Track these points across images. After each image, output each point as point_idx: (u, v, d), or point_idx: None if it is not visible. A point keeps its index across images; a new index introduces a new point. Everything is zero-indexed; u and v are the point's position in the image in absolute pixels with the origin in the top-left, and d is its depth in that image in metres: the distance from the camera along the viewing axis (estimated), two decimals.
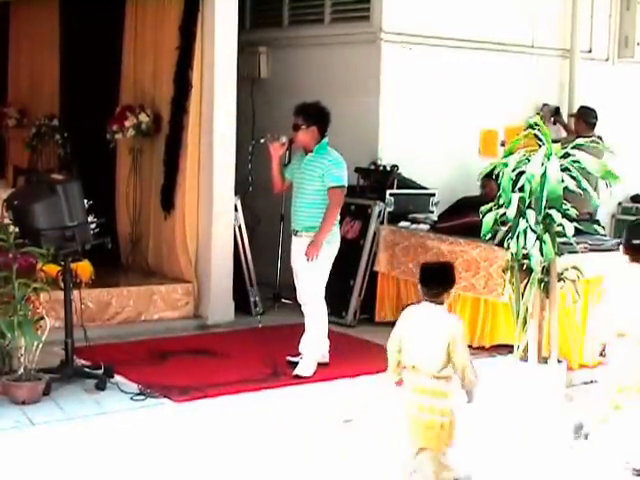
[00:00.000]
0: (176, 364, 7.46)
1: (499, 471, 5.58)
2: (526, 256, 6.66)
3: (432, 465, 5.16)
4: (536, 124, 6.74)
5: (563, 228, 6.59)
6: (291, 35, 10.48)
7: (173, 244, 9.00)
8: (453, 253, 8.20)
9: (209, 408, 6.53)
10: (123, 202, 9.62)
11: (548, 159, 6.52)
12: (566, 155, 6.62)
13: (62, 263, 6.91)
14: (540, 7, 10.46)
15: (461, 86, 9.94)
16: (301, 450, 5.85)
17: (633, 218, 11.08)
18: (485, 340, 7.97)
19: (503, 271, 7.01)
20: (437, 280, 5.29)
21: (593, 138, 7.83)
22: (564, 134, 10.43)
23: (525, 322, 6.80)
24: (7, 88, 11.85)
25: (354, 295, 8.95)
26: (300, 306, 7.58)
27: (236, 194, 8.98)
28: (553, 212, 6.52)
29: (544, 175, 6.44)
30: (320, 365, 7.41)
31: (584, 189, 6.53)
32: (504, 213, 6.63)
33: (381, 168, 9.33)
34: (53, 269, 7.04)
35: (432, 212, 9.21)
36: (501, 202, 6.67)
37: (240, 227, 9.15)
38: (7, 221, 6.87)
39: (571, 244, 6.95)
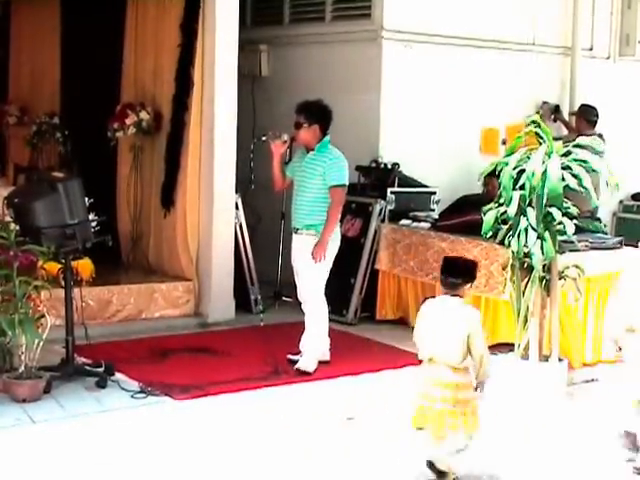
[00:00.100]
0: (177, 362, 7.46)
1: (500, 469, 5.57)
2: (527, 254, 6.65)
3: (448, 451, 5.23)
4: (534, 122, 6.73)
5: (564, 226, 6.58)
6: (292, 33, 10.47)
7: (174, 242, 9.00)
8: (454, 251, 8.19)
9: (210, 406, 6.53)
10: (124, 200, 9.62)
11: (549, 157, 6.52)
12: (567, 153, 6.62)
13: (63, 261, 6.90)
14: (541, 5, 10.46)
15: (462, 84, 9.94)
16: (303, 448, 5.85)
17: (635, 216, 11.12)
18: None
19: (504, 269, 7.01)
20: (457, 271, 5.34)
21: (594, 136, 7.83)
22: (565, 132, 10.43)
23: (526, 320, 6.80)
24: (8, 86, 11.84)
25: (355, 293, 8.95)
26: (301, 304, 7.58)
27: (237, 192, 8.98)
28: (553, 210, 6.52)
29: (545, 173, 6.43)
30: (321, 363, 7.41)
31: (585, 188, 6.53)
32: (505, 211, 6.62)
33: (382, 166, 9.34)
34: (54, 267, 7.04)
35: (433, 210, 9.22)
36: (502, 200, 6.67)
37: (241, 225, 9.15)
38: (8, 219, 6.87)
39: (572, 242, 6.95)
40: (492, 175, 7.14)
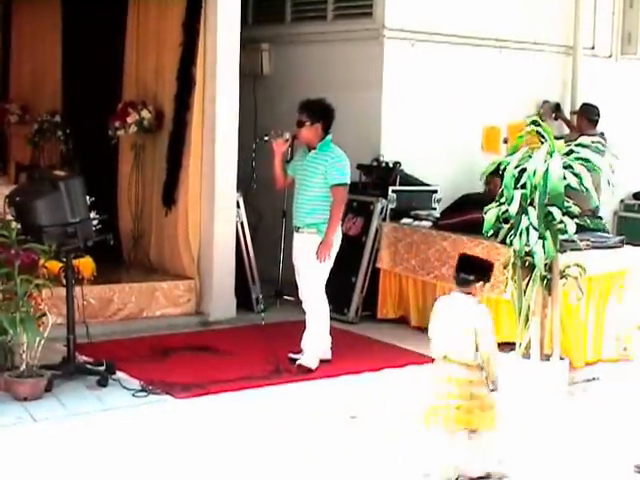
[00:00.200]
0: (178, 361, 7.46)
1: (501, 468, 5.56)
2: (528, 253, 6.66)
3: (475, 446, 5.26)
4: (535, 122, 6.73)
5: (565, 225, 6.58)
6: (293, 32, 10.47)
7: (175, 241, 9.00)
8: (455, 250, 8.18)
9: (211, 405, 6.53)
10: (125, 198, 9.62)
11: (550, 156, 6.52)
12: (569, 152, 6.61)
13: (64, 259, 6.90)
14: (543, 4, 10.45)
15: (464, 83, 9.94)
16: (303, 447, 5.84)
17: (636, 215, 11.11)
18: None
19: (505, 268, 7.01)
20: (471, 269, 5.35)
21: (596, 136, 7.82)
22: (566, 130, 10.43)
23: (527, 319, 6.80)
24: (9, 84, 11.84)
25: (356, 292, 8.95)
26: (301, 303, 7.57)
27: (238, 191, 8.97)
28: (554, 210, 6.51)
29: (546, 172, 6.43)
30: (322, 362, 7.41)
31: (586, 187, 6.52)
32: (506, 210, 6.62)
33: (383, 165, 9.33)
34: (55, 265, 7.04)
35: (434, 209, 9.21)
36: (503, 199, 6.66)
37: (242, 224, 9.15)
38: (9, 217, 6.87)
39: (573, 241, 6.95)
40: (494, 174, 7.14)
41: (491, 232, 6.84)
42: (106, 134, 9.27)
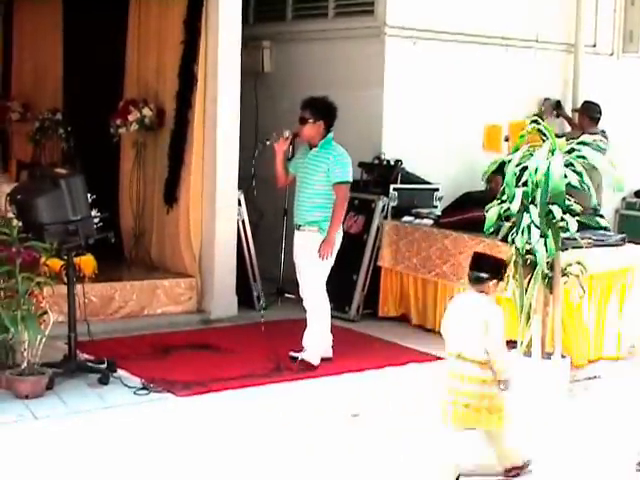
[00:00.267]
0: (179, 359, 7.46)
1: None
2: (530, 251, 6.65)
3: (494, 446, 5.28)
4: (536, 120, 6.73)
5: (566, 223, 6.57)
6: (295, 29, 10.46)
7: (176, 239, 9.00)
8: (457, 248, 8.20)
9: (212, 403, 6.53)
10: (126, 196, 9.61)
11: (552, 154, 6.51)
12: (570, 150, 6.61)
13: (65, 257, 6.90)
14: (544, 2, 10.44)
15: (465, 81, 9.93)
16: (305, 445, 5.84)
17: (637, 213, 11.11)
18: None
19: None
20: (484, 267, 5.34)
21: (597, 134, 7.83)
22: (568, 128, 10.42)
23: (529, 317, 6.80)
24: (11, 82, 11.85)
25: (357, 290, 8.95)
26: (302, 301, 7.57)
27: (239, 189, 8.97)
28: (554, 208, 6.51)
29: (547, 170, 6.43)
30: (323, 360, 7.40)
31: (587, 186, 6.52)
32: (508, 208, 6.62)
33: (385, 163, 9.33)
34: (56, 263, 7.05)
35: (436, 207, 9.21)
36: (505, 197, 6.66)
37: (243, 222, 9.15)
38: (10, 215, 6.87)
39: (575, 239, 6.94)
40: (496, 172, 7.14)
41: (492, 230, 6.84)
42: (107, 132, 9.26)
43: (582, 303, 7.46)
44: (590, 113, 10.10)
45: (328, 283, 7.41)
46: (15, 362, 6.62)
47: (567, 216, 6.57)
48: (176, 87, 8.90)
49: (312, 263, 7.29)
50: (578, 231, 6.72)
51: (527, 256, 6.73)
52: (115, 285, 8.53)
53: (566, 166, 6.48)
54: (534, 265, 6.69)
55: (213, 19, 8.63)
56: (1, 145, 11.92)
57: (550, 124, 7.09)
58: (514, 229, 6.70)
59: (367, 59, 9.61)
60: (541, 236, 6.53)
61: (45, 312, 6.65)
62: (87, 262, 8.08)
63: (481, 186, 8.74)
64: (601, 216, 8.22)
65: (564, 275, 6.91)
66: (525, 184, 6.56)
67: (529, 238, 6.54)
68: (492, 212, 6.72)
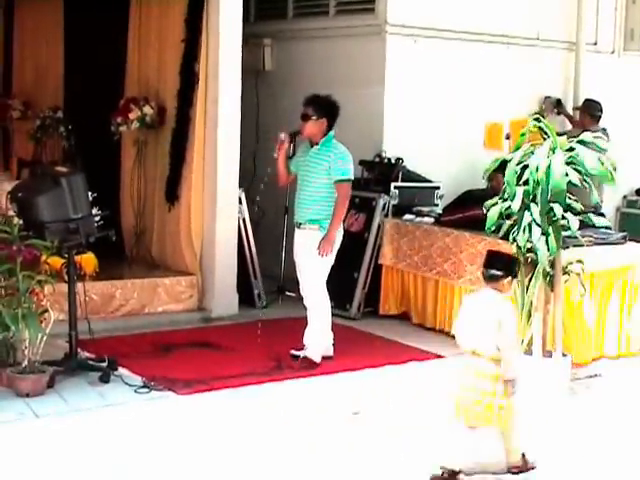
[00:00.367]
0: (180, 357, 7.46)
1: (503, 465, 5.56)
2: (531, 250, 6.65)
3: (501, 442, 5.27)
4: (537, 118, 6.73)
5: (568, 221, 6.57)
6: (296, 27, 10.46)
7: (177, 237, 9.00)
8: (458, 246, 8.20)
9: (213, 401, 6.54)
10: (127, 194, 9.61)
11: (553, 152, 6.51)
12: (571, 149, 6.61)
13: (66, 256, 6.90)
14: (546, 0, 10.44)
15: (466, 79, 9.92)
16: (306, 443, 5.84)
17: (638, 211, 11.10)
18: None
19: None
20: (499, 264, 5.35)
21: (598, 132, 7.82)
22: (569, 126, 10.42)
23: (530, 316, 6.80)
24: (12, 80, 11.85)
25: (358, 288, 8.95)
26: (303, 299, 7.57)
27: (240, 187, 8.97)
28: (556, 206, 6.51)
29: (548, 168, 6.42)
30: (324, 358, 7.40)
31: (588, 183, 6.52)
32: (509, 206, 6.61)
33: (386, 161, 9.33)
34: (57, 262, 7.05)
35: (437, 205, 9.20)
36: (506, 195, 6.66)
37: (244, 220, 9.14)
38: (11, 213, 6.87)
39: (576, 237, 6.94)
40: (497, 170, 7.14)
41: (493, 228, 6.84)
42: (108, 130, 9.26)
43: (583, 301, 7.46)
44: (591, 111, 10.10)
45: (329, 281, 7.41)
46: (16, 360, 6.62)
47: (568, 214, 6.57)
48: (177, 85, 8.90)
49: (312, 261, 7.28)
50: (579, 229, 6.72)
51: (528, 254, 6.73)
52: (116, 283, 8.53)
53: (567, 164, 6.48)
54: (535, 263, 6.69)
55: (214, 17, 8.63)
56: (2, 143, 11.92)
57: (551, 122, 7.08)
58: (515, 227, 6.69)
59: (368, 57, 9.61)
60: (542, 234, 6.53)
61: (46, 310, 6.65)
62: (88, 260, 8.08)
63: (482, 184, 8.74)
64: (602, 214, 8.22)
65: (565, 273, 6.91)
66: (526, 182, 6.56)
67: (530, 236, 6.54)
68: (493, 211, 6.72)
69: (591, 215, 6.94)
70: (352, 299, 8.92)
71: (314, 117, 7.31)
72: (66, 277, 6.94)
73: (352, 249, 8.39)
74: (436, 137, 9.75)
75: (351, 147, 7.51)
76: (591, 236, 7.65)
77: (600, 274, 7.66)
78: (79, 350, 6.95)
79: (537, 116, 6.80)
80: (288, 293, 9.24)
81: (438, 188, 9.34)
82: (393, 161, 9.26)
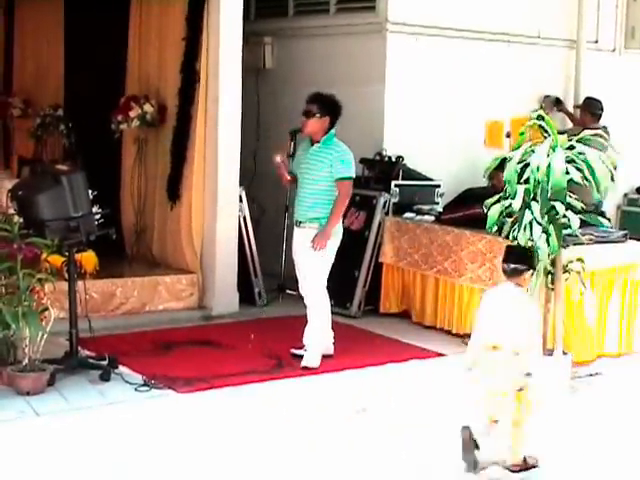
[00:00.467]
0: (180, 355, 7.46)
1: (504, 463, 5.56)
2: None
3: (510, 437, 5.27)
4: (538, 116, 6.72)
5: (568, 220, 6.57)
6: (296, 25, 10.45)
7: (178, 235, 9.00)
8: (458, 244, 8.19)
9: (213, 399, 6.54)
10: (128, 193, 9.61)
11: (553, 150, 6.50)
12: (572, 147, 6.60)
13: (66, 254, 6.90)
14: None
15: (467, 77, 9.92)
16: (307, 441, 5.84)
17: (639, 210, 11.10)
18: None
19: None
20: (519, 258, 5.39)
21: (598, 130, 7.81)
22: (569, 124, 10.41)
23: None
24: (12, 78, 11.84)
25: (359, 286, 8.94)
26: (303, 298, 7.56)
27: (241, 185, 8.97)
28: (557, 204, 6.50)
29: (549, 167, 6.42)
30: (324, 357, 7.40)
31: (589, 181, 6.51)
32: (509, 205, 6.61)
33: (386, 159, 9.32)
34: (57, 260, 7.05)
35: (437, 203, 9.20)
36: (506, 194, 6.65)
37: (245, 218, 9.14)
38: (12, 211, 6.87)
39: (576, 236, 6.94)
40: (498, 169, 7.14)
41: (494, 227, 6.83)
42: (109, 128, 9.25)
43: (584, 300, 7.45)
44: (592, 109, 10.09)
45: (329, 279, 7.41)
46: (16, 358, 6.63)
47: (569, 212, 6.57)
48: (178, 84, 8.89)
49: (312, 260, 7.28)
50: (580, 228, 6.72)
51: None
52: (116, 281, 8.53)
53: (568, 162, 6.48)
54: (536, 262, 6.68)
55: (214, 15, 8.62)
56: (2, 141, 11.91)
57: (552, 120, 7.07)
58: (516, 226, 6.69)
59: (369, 55, 9.61)
60: (543, 233, 6.52)
61: (46, 308, 6.65)
62: (88, 258, 8.08)
63: (483, 182, 8.73)
64: (602, 213, 8.22)
65: (566, 272, 6.91)
66: (527, 181, 6.55)
67: (531, 235, 6.53)
68: (494, 209, 6.71)
69: (591, 215, 6.95)
70: (352, 297, 8.92)
71: (317, 115, 7.29)
72: (66, 275, 6.94)
73: (352, 247, 8.38)
74: (437, 135, 9.74)
75: (352, 145, 7.51)
76: (592, 234, 7.65)
77: (601, 272, 7.65)
78: (79, 348, 6.95)
79: (540, 113, 6.78)
80: (288, 291, 9.23)
81: (439, 186, 9.34)
82: (394, 159, 9.26)
